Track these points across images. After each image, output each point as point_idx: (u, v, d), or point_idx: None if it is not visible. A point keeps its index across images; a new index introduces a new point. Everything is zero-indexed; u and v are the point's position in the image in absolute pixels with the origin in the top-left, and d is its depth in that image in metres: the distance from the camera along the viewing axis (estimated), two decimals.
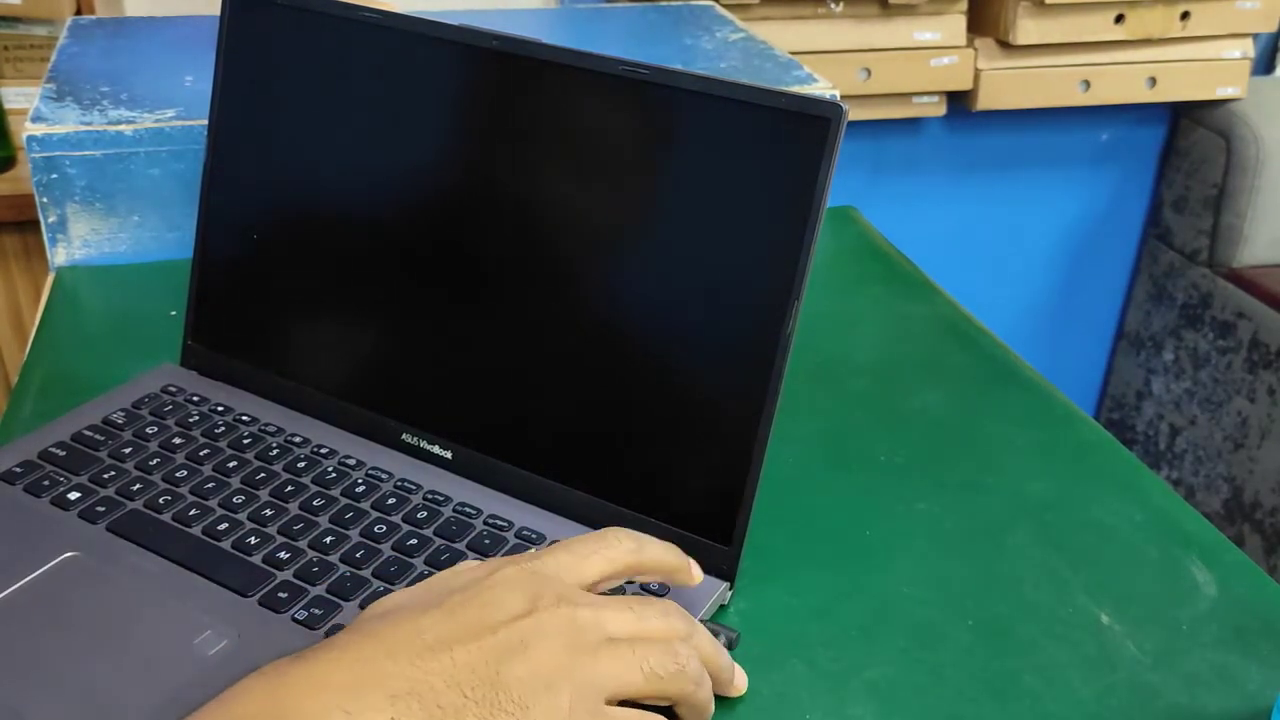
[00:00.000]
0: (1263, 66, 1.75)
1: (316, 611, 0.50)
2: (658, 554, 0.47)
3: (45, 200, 0.81)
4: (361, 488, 0.57)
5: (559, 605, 0.41)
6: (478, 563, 0.44)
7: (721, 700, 0.48)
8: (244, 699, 0.38)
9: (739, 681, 0.48)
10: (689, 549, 0.53)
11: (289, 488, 0.57)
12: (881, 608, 0.54)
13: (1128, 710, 0.49)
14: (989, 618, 0.54)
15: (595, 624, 0.41)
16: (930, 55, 1.49)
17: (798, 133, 0.49)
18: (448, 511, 0.56)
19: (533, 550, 0.44)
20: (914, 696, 0.49)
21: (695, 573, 0.49)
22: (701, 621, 0.50)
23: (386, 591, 0.51)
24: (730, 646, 0.49)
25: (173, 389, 0.64)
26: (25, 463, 0.58)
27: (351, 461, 0.59)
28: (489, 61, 0.56)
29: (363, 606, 0.50)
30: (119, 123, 0.81)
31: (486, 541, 0.54)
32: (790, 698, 0.49)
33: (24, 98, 1.28)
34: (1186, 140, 1.72)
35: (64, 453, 0.58)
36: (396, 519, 0.55)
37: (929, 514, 0.61)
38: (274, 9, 0.62)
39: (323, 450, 0.60)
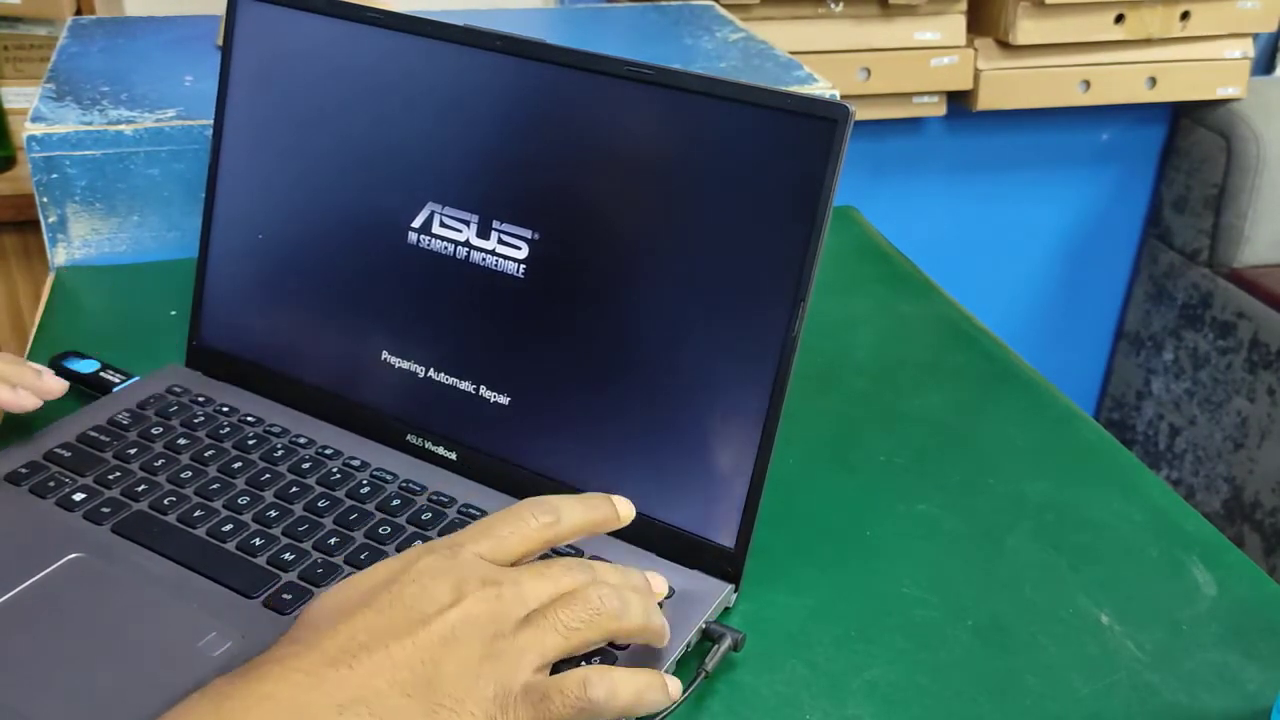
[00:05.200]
0: (1263, 66, 1.75)
1: None
2: (576, 519, 0.47)
3: (45, 200, 0.81)
4: (366, 489, 0.57)
5: (484, 587, 0.42)
6: (395, 557, 0.44)
7: (721, 699, 0.48)
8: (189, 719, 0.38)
9: (656, 622, 0.45)
10: (695, 551, 0.53)
11: (293, 489, 0.57)
12: (881, 608, 0.54)
13: (1128, 710, 0.49)
14: (989, 618, 0.54)
15: (518, 599, 0.42)
16: (930, 55, 1.49)
17: (804, 134, 0.50)
18: (452, 513, 0.56)
19: (449, 537, 0.45)
20: (914, 696, 0.49)
21: (623, 510, 0.49)
22: (706, 624, 0.50)
23: None
24: (736, 648, 0.50)
25: (177, 389, 0.64)
26: (30, 464, 0.58)
27: (356, 462, 0.59)
28: (493, 62, 0.56)
29: None
30: (119, 123, 0.81)
31: None
32: (790, 698, 0.49)
33: (24, 98, 1.28)
34: (1186, 140, 1.72)
35: (69, 453, 0.59)
36: (401, 520, 0.55)
37: (929, 514, 0.61)
38: (278, 9, 0.62)
39: (327, 451, 0.60)
